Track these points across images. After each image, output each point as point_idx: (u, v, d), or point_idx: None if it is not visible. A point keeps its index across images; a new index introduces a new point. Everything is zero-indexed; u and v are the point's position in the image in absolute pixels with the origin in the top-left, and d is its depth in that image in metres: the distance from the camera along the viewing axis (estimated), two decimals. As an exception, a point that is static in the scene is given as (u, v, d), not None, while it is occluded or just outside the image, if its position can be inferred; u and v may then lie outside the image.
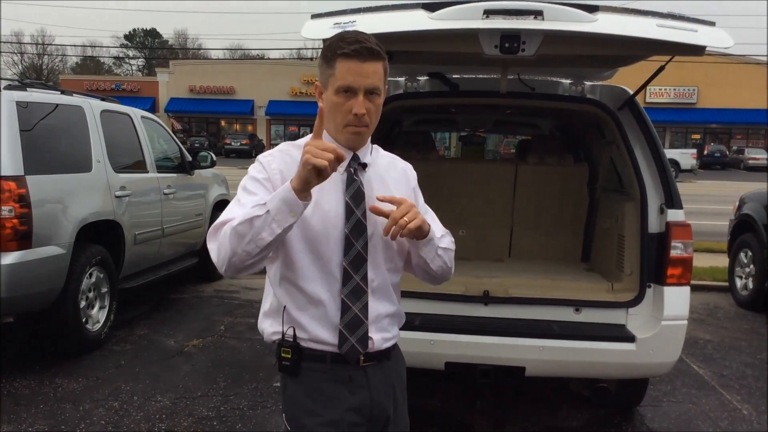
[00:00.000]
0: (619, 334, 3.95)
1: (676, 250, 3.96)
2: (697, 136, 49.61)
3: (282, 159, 2.01)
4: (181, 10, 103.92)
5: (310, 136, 1.93)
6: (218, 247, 1.85)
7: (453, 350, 3.95)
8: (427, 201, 5.19)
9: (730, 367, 6.00)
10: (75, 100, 6.09)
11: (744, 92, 47.32)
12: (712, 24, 3.23)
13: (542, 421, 4.68)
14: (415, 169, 5.28)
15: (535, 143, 6.07)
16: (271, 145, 52.21)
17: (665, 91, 45.91)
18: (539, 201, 5.24)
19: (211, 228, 1.92)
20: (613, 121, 4.19)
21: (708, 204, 18.89)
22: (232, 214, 1.86)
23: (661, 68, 3.85)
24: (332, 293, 1.99)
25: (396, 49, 3.65)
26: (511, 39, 3.18)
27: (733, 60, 44.44)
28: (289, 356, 2.00)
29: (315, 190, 1.82)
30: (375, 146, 2.17)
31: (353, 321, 1.99)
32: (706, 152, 43.51)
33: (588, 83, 4.38)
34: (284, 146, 2.07)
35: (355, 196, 1.99)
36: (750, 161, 42.87)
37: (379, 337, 2.06)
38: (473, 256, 5.24)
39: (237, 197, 1.96)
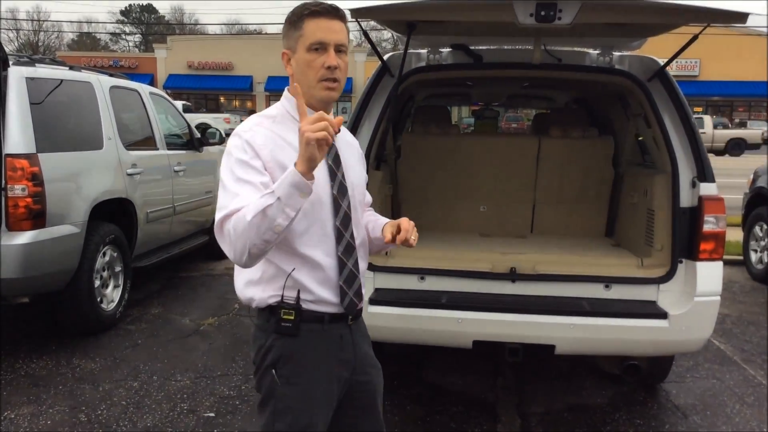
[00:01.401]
0: (651, 310, 3.87)
1: (709, 224, 3.88)
2: (700, 109, 49.30)
3: (263, 133, 2.04)
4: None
5: (277, 105, 2.15)
6: (232, 243, 1.87)
7: (481, 328, 3.88)
8: (448, 176, 5.09)
9: (751, 342, 5.95)
10: (84, 75, 5.96)
11: (746, 64, 46.93)
12: None
13: (567, 399, 4.63)
14: (435, 144, 5.22)
15: (557, 116, 5.96)
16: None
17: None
18: (562, 175, 5.14)
19: (215, 226, 1.93)
20: (643, 92, 4.08)
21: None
22: (232, 205, 1.88)
23: (695, 37, 3.72)
24: (330, 254, 2.10)
25: (424, 18, 3.54)
26: (547, 7, 3.07)
27: (736, 32, 43.99)
28: (292, 317, 2.08)
29: None
30: None
31: (349, 276, 2.13)
32: (709, 125, 43.19)
33: (616, 54, 4.26)
34: (256, 118, 2.11)
35: (335, 159, 2.13)
36: (753, 134, 42.55)
37: (362, 293, 2.23)
38: (495, 232, 5.15)
39: (229, 186, 1.94)
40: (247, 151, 1.98)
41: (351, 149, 2.28)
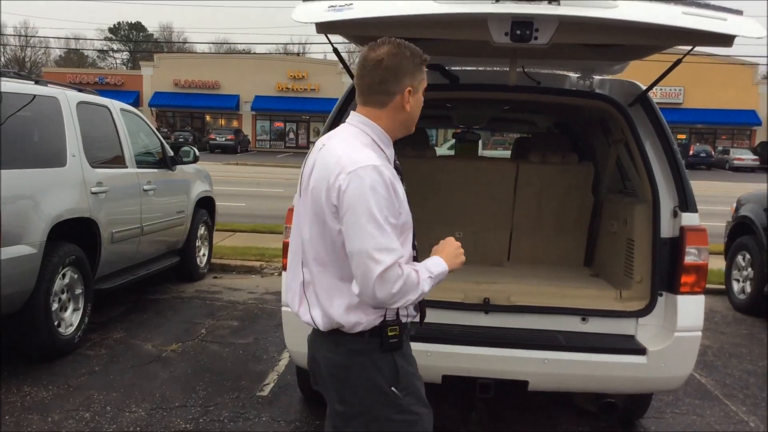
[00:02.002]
0: (629, 345, 3.70)
1: (691, 256, 3.71)
2: (683, 136, 49.67)
3: (391, 170, 2.15)
4: (167, 3, 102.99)
5: (361, 134, 2.19)
6: (392, 294, 2.04)
7: (451, 362, 3.68)
8: (423, 201, 4.90)
9: (733, 375, 5.78)
10: (50, 90, 5.75)
11: (730, 93, 47.42)
12: (740, 13, 2.97)
13: (542, 435, 4.43)
14: (411, 167, 5.10)
15: (537, 140, 5.80)
16: (257, 141, 52.34)
17: (652, 90, 45.65)
18: (541, 201, 4.98)
19: (379, 275, 2.01)
20: (623, 117, 3.95)
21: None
22: (395, 253, 2.05)
23: (679, 61, 3.60)
24: None
25: (396, 35, 3.36)
26: (523, 26, 2.90)
27: (719, 60, 44.49)
28: (397, 333, 2.22)
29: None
30: None
31: None
32: (691, 152, 43.52)
33: (597, 77, 4.12)
34: (370, 151, 2.14)
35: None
36: (735, 161, 42.93)
37: None
38: (470, 260, 4.92)
39: (385, 226, 2.05)
40: (390, 191, 2.07)
41: None
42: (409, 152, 4.96)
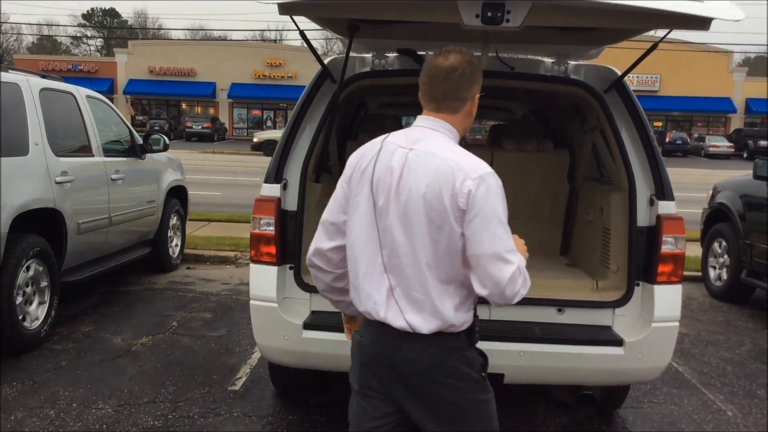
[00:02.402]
0: (606, 337, 3.63)
1: (668, 245, 3.64)
2: (659, 124, 50.01)
3: None
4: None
5: (453, 139, 2.30)
6: (518, 292, 2.15)
7: None
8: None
9: (710, 364, 5.76)
10: (11, 77, 5.54)
11: (705, 80, 47.80)
12: None
13: (519, 427, 4.35)
14: None
15: (512, 128, 5.71)
16: (234, 129, 51.89)
17: (628, 78, 45.33)
18: (516, 190, 4.88)
19: (510, 275, 2.10)
20: (599, 104, 3.86)
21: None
22: (515, 255, 2.17)
23: (655, 45, 3.52)
24: None
25: (364, 17, 3.25)
26: (494, 7, 2.79)
27: (695, 48, 44.79)
28: (479, 329, 2.37)
29: None
30: None
31: None
32: (668, 139, 43.82)
33: (572, 62, 4.02)
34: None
35: None
36: (710, 149, 43.29)
37: None
38: None
39: (507, 230, 2.17)
40: (504, 194, 2.23)
41: None
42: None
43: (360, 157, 2.34)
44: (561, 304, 3.77)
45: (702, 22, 2.81)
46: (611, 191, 4.02)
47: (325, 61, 3.91)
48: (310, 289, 3.77)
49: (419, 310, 2.20)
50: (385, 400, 2.33)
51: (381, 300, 2.24)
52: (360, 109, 6.01)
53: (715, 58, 48.02)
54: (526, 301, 3.70)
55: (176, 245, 8.46)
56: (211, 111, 51.96)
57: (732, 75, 49.48)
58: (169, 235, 8.13)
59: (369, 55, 4.06)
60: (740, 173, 9.01)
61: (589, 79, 3.95)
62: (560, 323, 3.75)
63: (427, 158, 2.19)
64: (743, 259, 7.47)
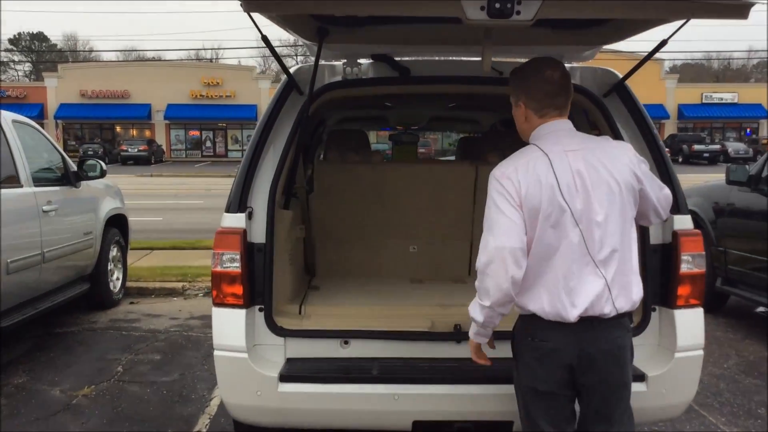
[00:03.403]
0: None
1: (687, 264, 3.26)
2: (598, 131, 50.86)
3: None
4: (71, 10, 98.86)
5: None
6: None
7: (422, 405, 3.13)
8: (370, 212, 4.31)
9: (701, 381, 5.38)
10: None
11: (639, 88, 47.93)
12: None
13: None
14: (354, 174, 4.49)
15: (493, 139, 5.31)
16: (172, 151, 50.81)
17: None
18: None
19: None
20: (598, 109, 3.48)
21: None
22: None
23: (664, 42, 3.15)
24: None
25: (340, 12, 2.80)
26: None
27: (626, 57, 45.71)
28: None
29: None
30: None
31: None
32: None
33: (565, 65, 3.61)
34: None
35: None
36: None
37: None
38: (429, 277, 4.42)
39: None
40: None
41: None
42: (352, 157, 4.36)
43: (525, 174, 2.41)
44: None
45: (740, 10, 2.43)
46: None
47: (291, 71, 3.42)
48: (285, 332, 3.26)
49: (625, 294, 2.44)
50: (571, 400, 2.57)
51: (596, 296, 2.38)
52: (319, 126, 5.52)
53: (648, 66, 49.08)
54: None
55: (117, 279, 7.79)
56: (147, 133, 50.58)
57: (664, 82, 50.78)
58: (109, 268, 7.46)
59: (339, 63, 3.59)
60: (688, 177, 8.82)
61: (585, 82, 3.57)
62: None
63: (604, 154, 2.46)
64: (717, 266, 7.22)
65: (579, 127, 4.80)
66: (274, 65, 61.27)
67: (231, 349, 3.19)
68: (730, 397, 5.11)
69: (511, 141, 5.08)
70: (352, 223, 4.43)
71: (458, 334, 3.31)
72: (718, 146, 43.73)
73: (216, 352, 3.24)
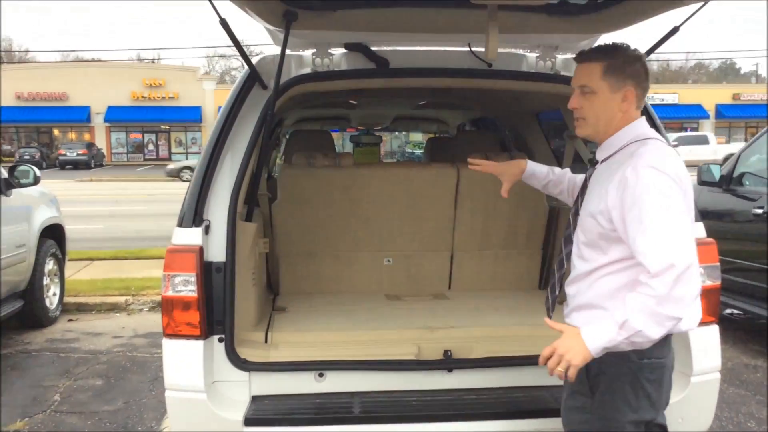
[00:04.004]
0: None
1: (701, 277, 2.90)
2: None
3: None
4: (6, 10, 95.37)
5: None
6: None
7: None
8: (341, 221, 3.88)
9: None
10: None
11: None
12: None
13: None
14: (324, 179, 4.02)
15: (471, 139, 4.93)
16: (113, 155, 49.41)
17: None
18: (488, 214, 4.08)
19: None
20: None
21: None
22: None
23: (676, 29, 2.85)
24: None
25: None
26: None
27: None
28: None
29: None
30: (636, 142, 2.21)
31: (552, 286, 2.57)
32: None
33: (560, 57, 3.26)
34: None
35: (582, 187, 2.41)
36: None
37: (567, 312, 2.42)
38: (406, 292, 4.01)
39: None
40: None
41: (605, 186, 2.20)
42: (320, 161, 3.92)
43: (686, 175, 2.19)
44: None
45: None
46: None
47: (253, 61, 2.97)
48: (249, 366, 2.81)
49: None
50: None
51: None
52: (278, 125, 5.06)
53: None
54: (531, 360, 2.92)
55: (54, 294, 7.16)
56: (87, 136, 48.97)
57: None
58: (44, 283, 6.83)
59: (307, 53, 3.15)
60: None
61: None
62: None
63: None
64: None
65: (530, 134, 4.54)
66: (219, 66, 60.19)
67: (186, 388, 2.73)
68: (716, 410, 4.82)
69: (490, 142, 4.78)
70: (320, 233, 3.98)
71: (449, 362, 2.93)
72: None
73: (168, 393, 2.76)
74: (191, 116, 47.43)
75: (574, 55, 3.35)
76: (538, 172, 2.73)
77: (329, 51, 3.11)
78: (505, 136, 5.04)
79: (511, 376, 2.94)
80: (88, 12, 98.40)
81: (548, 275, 4.21)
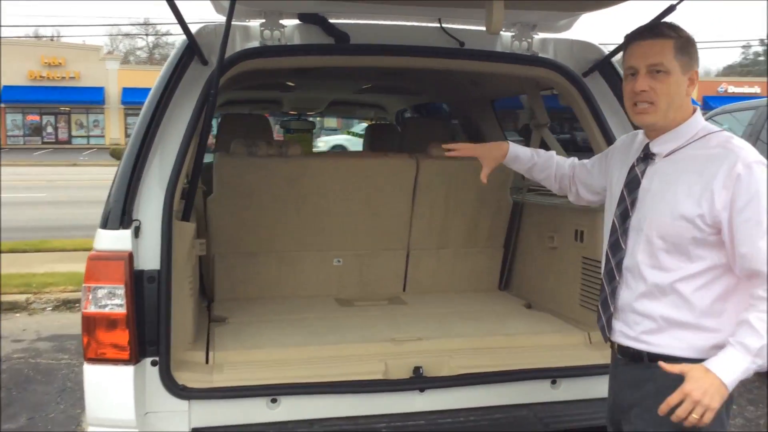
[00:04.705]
0: None
1: None
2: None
3: None
4: None
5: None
6: None
7: None
8: (285, 218, 3.46)
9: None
10: None
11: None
12: None
13: None
14: (268, 170, 3.62)
15: (424, 127, 4.58)
16: (8, 138, 46.84)
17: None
18: (448, 209, 3.74)
19: None
20: (578, 90, 2.91)
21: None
22: None
23: (672, 8, 2.59)
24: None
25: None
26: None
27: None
28: None
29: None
30: (710, 135, 1.95)
31: (603, 302, 2.11)
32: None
33: (537, 37, 2.97)
34: None
35: (629, 184, 2.07)
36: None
37: (619, 329, 2.06)
38: (357, 296, 3.64)
39: None
40: None
41: (683, 181, 1.93)
42: (264, 149, 3.47)
43: None
44: (554, 373, 2.70)
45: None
46: (597, 210, 3.01)
47: (193, 32, 2.52)
48: (189, 393, 2.38)
49: None
50: None
51: None
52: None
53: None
54: (511, 376, 2.65)
55: (-58, 293, 6.42)
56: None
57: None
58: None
59: (255, 24, 2.72)
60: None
61: (561, 57, 2.94)
62: (559, 402, 2.68)
63: None
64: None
65: (486, 123, 4.29)
66: (123, 45, 57.64)
67: (114, 424, 2.30)
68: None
69: (440, 130, 4.46)
70: (262, 231, 3.54)
71: (421, 380, 2.59)
72: (568, 135, 46.08)
73: (92, 430, 2.30)
74: (93, 97, 45.36)
75: (556, 35, 3.11)
76: (521, 154, 2.44)
77: (280, 22, 2.70)
78: (453, 124, 4.74)
79: (490, 394, 2.63)
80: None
81: (510, 275, 3.94)
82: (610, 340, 2.09)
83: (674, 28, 1.96)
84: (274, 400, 2.47)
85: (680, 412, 1.74)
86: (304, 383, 2.51)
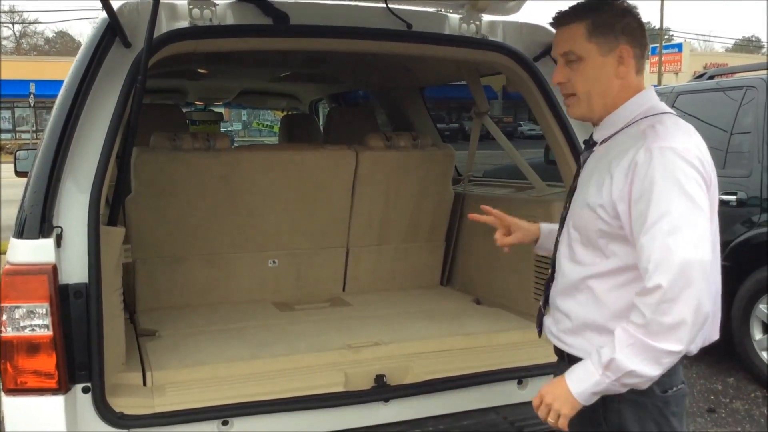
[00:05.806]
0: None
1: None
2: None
3: None
4: None
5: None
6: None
7: None
8: (218, 216, 3.16)
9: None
10: None
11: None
12: None
13: None
14: (194, 166, 3.32)
15: (364, 117, 4.33)
16: None
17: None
18: (389, 203, 3.53)
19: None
20: (529, 75, 2.76)
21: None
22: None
23: None
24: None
25: None
26: None
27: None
28: None
29: None
30: (644, 119, 1.75)
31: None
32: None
33: (485, 19, 2.81)
34: None
35: (576, 173, 1.95)
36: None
37: (548, 325, 1.95)
38: (294, 298, 3.39)
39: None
40: None
41: (603, 171, 1.75)
42: (188, 142, 3.14)
43: (707, 154, 1.69)
44: (520, 373, 2.57)
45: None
46: (552, 200, 2.90)
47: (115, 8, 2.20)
48: (128, 421, 2.09)
49: None
50: None
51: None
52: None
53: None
54: (477, 378, 2.51)
55: None
56: None
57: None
58: None
59: (182, 2, 2.42)
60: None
61: (510, 41, 2.79)
62: (529, 402, 2.54)
63: None
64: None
65: (413, 112, 4.13)
66: (37, 40, 53.60)
67: (39, 465, 1.95)
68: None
69: (367, 120, 4.25)
70: (188, 233, 3.20)
71: (385, 390, 2.38)
72: (456, 125, 46.94)
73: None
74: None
75: (503, 18, 2.95)
76: (552, 227, 2.09)
77: (212, 0, 2.41)
78: (378, 113, 4.54)
79: (456, 400, 2.46)
80: None
81: (452, 270, 3.79)
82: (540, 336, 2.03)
83: (587, 9, 1.78)
84: (225, 422, 2.20)
85: (540, 413, 1.74)
86: (257, 401, 2.25)
